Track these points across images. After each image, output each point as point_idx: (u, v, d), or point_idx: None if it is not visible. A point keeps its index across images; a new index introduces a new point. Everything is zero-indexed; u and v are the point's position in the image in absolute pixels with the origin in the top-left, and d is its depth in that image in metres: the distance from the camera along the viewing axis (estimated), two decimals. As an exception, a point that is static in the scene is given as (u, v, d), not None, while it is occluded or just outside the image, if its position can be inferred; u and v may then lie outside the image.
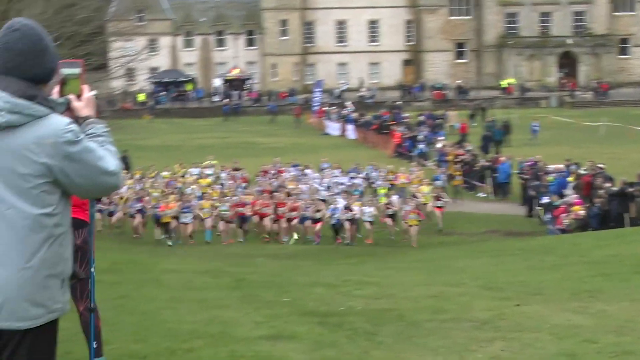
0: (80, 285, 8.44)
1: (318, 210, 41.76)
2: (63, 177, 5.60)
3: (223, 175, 53.12)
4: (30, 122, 5.56)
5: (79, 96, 6.08)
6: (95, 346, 8.39)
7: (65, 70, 6.11)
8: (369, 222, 41.55)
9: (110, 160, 5.78)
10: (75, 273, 6.03)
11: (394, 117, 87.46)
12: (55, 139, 5.53)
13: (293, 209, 42.14)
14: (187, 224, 40.72)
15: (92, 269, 7.39)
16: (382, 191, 46.42)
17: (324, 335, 12.82)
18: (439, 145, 63.93)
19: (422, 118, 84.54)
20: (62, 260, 5.79)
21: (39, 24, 5.80)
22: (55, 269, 5.74)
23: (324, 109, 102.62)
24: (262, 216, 42.37)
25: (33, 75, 5.68)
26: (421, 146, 68.11)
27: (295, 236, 41.93)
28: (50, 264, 5.70)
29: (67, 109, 5.96)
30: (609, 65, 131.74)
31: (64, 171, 5.57)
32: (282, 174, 52.39)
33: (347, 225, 40.92)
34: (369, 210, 41.71)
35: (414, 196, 44.71)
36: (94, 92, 6.51)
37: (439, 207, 43.35)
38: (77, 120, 5.86)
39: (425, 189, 45.70)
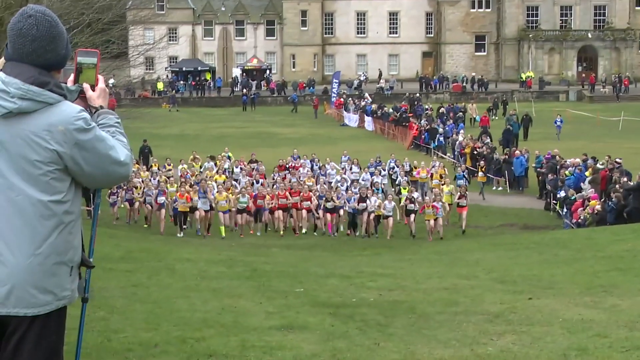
0: None
1: (330, 200, 40.62)
2: (73, 165, 5.57)
3: (237, 170, 52.71)
4: (42, 108, 5.55)
5: (93, 86, 6.04)
6: None
7: (82, 59, 6.08)
8: (389, 216, 40.53)
9: (121, 150, 5.75)
10: (84, 261, 6.04)
11: (413, 109, 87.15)
12: (66, 126, 5.51)
13: (307, 199, 41.30)
14: (204, 210, 39.63)
15: (91, 259, 7.39)
16: (405, 191, 44.61)
17: (335, 327, 12.84)
18: (460, 138, 63.34)
19: (443, 110, 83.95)
20: (71, 248, 5.78)
21: (53, 12, 5.76)
22: (64, 256, 5.72)
23: (342, 100, 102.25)
24: (279, 208, 41.33)
25: (46, 61, 5.67)
26: (441, 138, 67.87)
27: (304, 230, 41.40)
28: (59, 251, 5.68)
29: (79, 97, 5.94)
30: (629, 60, 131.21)
31: (74, 159, 5.55)
32: (299, 170, 51.69)
33: (363, 217, 40.17)
34: (390, 205, 40.64)
35: (432, 191, 44.33)
36: (112, 81, 6.59)
37: (462, 207, 41.20)
38: (90, 109, 5.87)
39: (447, 188, 44.27)
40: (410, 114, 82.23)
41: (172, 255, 23.25)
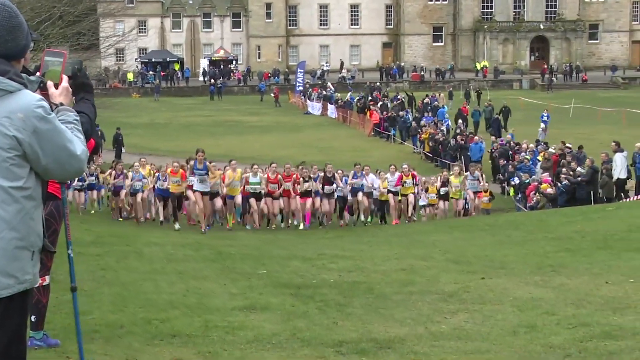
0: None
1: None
2: (31, 153, 5.56)
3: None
4: (2, 96, 5.54)
5: (56, 85, 6.14)
6: (33, 320, 8.43)
7: (49, 59, 6.23)
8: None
9: (78, 145, 5.77)
10: (45, 246, 6.02)
11: (374, 98, 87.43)
12: (26, 113, 5.49)
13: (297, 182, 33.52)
14: (209, 194, 29.77)
15: (70, 251, 7.42)
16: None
17: (296, 307, 12.85)
18: (422, 123, 63.70)
19: (428, 100, 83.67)
20: (33, 233, 5.75)
21: (24, 4, 5.85)
22: (26, 241, 5.70)
23: (304, 88, 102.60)
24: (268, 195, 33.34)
25: (6, 51, 5.66)
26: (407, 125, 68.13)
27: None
28: (21, 236, 5.66)
29: (39, 89, 5.95)
30: (579, 50, 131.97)
31: (32, 146, 5.55)
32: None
33: (352, 199, 35.26)
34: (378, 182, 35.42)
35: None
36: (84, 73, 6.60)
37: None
38: (51, 106, 5.79)
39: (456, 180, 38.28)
40: (371, 102, 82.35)
41: (140, 239, 23.19)
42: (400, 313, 12.46)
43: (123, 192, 34.12)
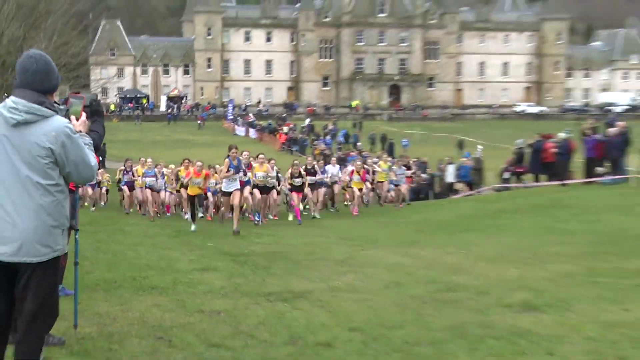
0: None
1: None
2: (60, 160, 5.63)
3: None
4: (40, 120, 5.59)
5: (77, 118, 6.37)
6: None
7: (73, 100, 6.55)
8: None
9: (92, 158, 5.86)
10: (72, 225, 6.28)
11: (282, 125, 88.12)
12: (57, 132, 5.57)
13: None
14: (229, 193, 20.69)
15: (77, 236, 7.50)
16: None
17: (235, 269, 12.81)
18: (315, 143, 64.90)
19: (331, 128, 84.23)
20: (63, 216, 5.78)
21: (45, 54, 5.93)
22: (58, 222, 5.72)
23: (234, 117, 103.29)
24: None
25: (42, 88, 5.71)
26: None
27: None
28: (54, 218, 5.68)
29: (65, 116, 6.10)
30: (421, 94, 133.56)
31: (60, 156, 5.60)
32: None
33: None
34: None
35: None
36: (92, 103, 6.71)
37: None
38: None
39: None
40: (280, 127, 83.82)
41: (123, 221, 23.05)
42: (308, 273, 12.45)
43: (125, 188, 28.30)
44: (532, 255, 14.56)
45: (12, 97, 5.68)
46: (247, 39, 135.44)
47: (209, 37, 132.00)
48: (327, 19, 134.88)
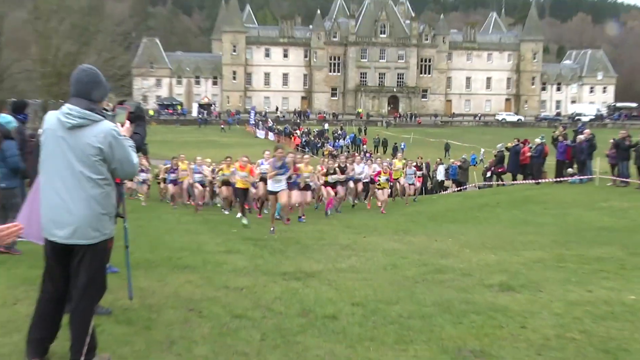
0: None
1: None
2: (107, 158, 5.69)
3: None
4: (91, 124, 5.65)
5: (122, 124, 6.37)
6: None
7: (119, 109, 6.55)
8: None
9: (134, 157, 5.93)
10: (118, 213, 6.31)
11: (297, 130, 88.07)
12: (105, 134, 5.64)
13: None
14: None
15: (126, 224, 7.42)
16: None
17: (255, 252, 12.81)
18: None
19: (340, 133, 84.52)
20: (110, 205, 5.83)
21: (95, 68, 5.99)
22: (106, 210, 5.78)
23: (255, 122, 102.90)
24: None
25: (93, 96, 5.77)
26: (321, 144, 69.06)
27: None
28: (103, 207, 5.74)
29: (112, 121, 6.12)
30: (416, 104, 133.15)
31: (108, 154, 5.67)
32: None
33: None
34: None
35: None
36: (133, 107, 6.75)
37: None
38: None
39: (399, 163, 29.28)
40: (295, 131, 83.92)
41: (160, 210, 23.01)
42: (317, 256, 12.45)
43: (169, 185, 25.27)
44: (509, 243, 14.54)
45: (67, 105, 5.72)
46: (267, 55, 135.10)
47: (234, 53, 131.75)
48: (336, 39, 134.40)
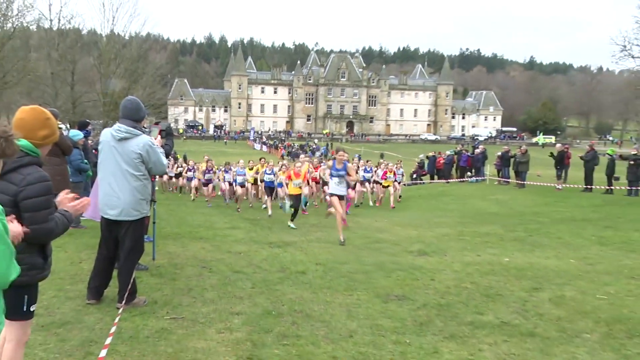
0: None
1: None
2: (145, 160, 5.63)
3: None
4: (134, 137, 5.62)
5: (155, 138, 6.33)
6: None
7: (153, 128, 6.60)
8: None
9: (164, 159, 5.85)
10: (153, 199, 6.28)
11: (279, 144, 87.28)
12: (144, 144, 5.60)
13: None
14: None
15: (155, 207, 7.39)
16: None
17: (251, 228, 12.72)
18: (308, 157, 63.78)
19: (314, 147, 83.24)
20: (147, 192, 5.80)
21: (137, 98, 5.95)
22: (144, 196, 5.74)
23: (254, 138, 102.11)
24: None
25: (135, 118, 5.72)
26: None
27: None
28: (142, 194, 5.72)
29: (149, 135, 6.18)
30: (365, 127, 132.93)
31: (145, 158, 5.62)
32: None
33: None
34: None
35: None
36: (165, 127, 6.72)
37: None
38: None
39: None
40: (281, 144, 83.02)
41: (183, 199, 22.50)
42: (294, 231, 12.45)
43: (210, 185, 20.30)
44: (426, 222, 14.62)
45: (117, 124, 5.72)
46: (262, 91, 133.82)
47: (240, 90, 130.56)
48: (310, 81, 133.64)
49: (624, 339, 5.17)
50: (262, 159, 20.51)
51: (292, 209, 14.11)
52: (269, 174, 17.86)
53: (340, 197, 11.37)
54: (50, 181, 3.33)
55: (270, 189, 17.76)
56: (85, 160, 10.57)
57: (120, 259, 5.72)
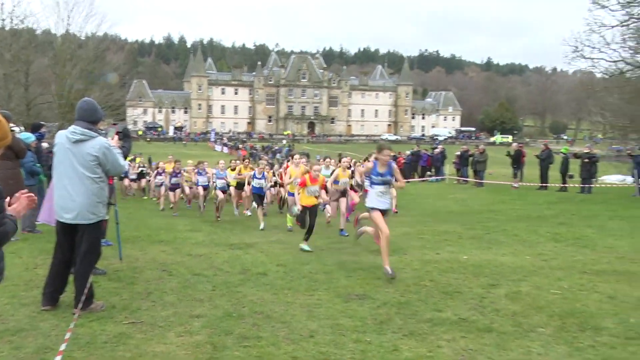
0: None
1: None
2: (102, 162, 5.58)
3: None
4: (90, 139, 5.55)
5: (112, 139, 6.32)
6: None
7: (110, 129, 6.65)
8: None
9: (122, 160, 5.82)
10: (110, 202, 6.21)
11: (239, 145, 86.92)
12: (100, 145, 5.55)
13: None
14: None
15: (116, 208, 7.32)
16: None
17: (212, 230, 12.65)
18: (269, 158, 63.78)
19: (276, 148, 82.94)
20: (104, 195, 5.77)
21: (94, 99, 5.91)
22: (101, 198, 5.69)
23: (215, 140, 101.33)
24: None
25: (90, 119, 5.66)
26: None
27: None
28: (98, 197, 5.65)
29: (105, 137, 6.10)
30: (327, 128, 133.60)
31: (102, 160, 5.57)
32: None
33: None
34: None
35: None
36: (121, 128, 6.68)
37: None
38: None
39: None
40: (242, 145, 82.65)
41: (145, 202, 22.21)
42: (255, 232, 12.42)
43: (178, 191, 17.53)
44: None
45: (73, 126, 5.64)
46: (223, 92, 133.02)
47: (200, 91, 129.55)
48: (271, 82, 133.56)
49: (577, 332, 5.33)
50: (246, 160, 18.58)
51: (296, 217, 11.12)
52: (259, 178, 14.30)
53: (383, 212, 8.24)
54: (0, 185, 3.26)
55: (260, 196, 14.25)
56: (38, 164, 10.35)
57: (76, 263, 5.62)
